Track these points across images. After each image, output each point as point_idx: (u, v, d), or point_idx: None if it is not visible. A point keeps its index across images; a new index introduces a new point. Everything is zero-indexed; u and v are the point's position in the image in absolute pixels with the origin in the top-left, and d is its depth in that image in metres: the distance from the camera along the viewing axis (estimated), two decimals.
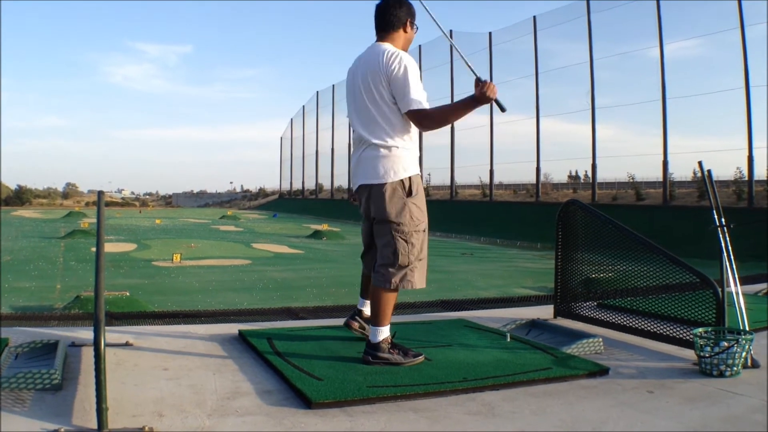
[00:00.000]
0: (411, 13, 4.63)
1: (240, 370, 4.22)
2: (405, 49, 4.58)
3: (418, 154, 4.62)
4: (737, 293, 4.90)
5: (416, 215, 4.41)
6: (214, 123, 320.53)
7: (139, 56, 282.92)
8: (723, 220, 5.09)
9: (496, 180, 39.94)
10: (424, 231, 4.49)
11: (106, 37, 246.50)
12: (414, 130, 4.51)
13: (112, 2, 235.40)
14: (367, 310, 4.90)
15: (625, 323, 5.46)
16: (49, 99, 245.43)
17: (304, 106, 68.87)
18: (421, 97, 4.32)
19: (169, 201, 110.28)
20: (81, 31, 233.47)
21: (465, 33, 40.49)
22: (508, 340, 5.08)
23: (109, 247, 19.07)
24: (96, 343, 3.01)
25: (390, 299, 4.41)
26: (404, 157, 4.42)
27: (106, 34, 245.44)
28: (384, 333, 4.37)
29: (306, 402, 3.53)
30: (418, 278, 4.43)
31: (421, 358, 4.37)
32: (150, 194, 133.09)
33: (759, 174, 24.73)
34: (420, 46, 43.34)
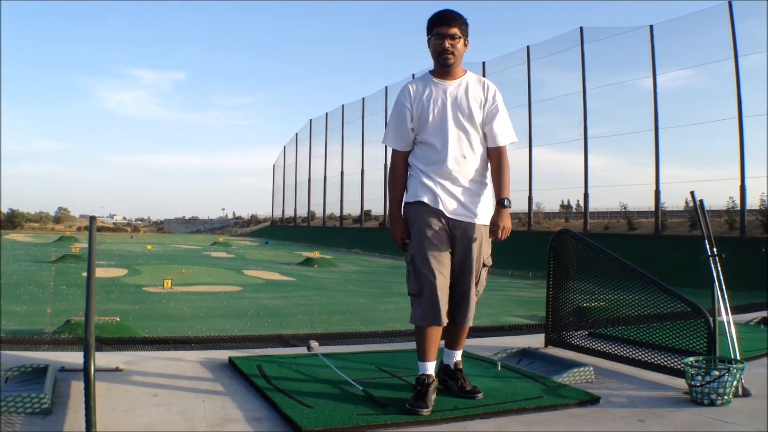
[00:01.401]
0: (428, 28, 4.25)
1: (230, 396, 4.21)
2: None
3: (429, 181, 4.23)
4: (729, 322, 4.90)
5: None
6: (207, 150, 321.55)
7: (133, 82, 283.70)
8: (715, 249, 5.10)
9: None
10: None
11: (101, 63, 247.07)
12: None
13: (106, 28, 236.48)
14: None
15: (616, 352, 5.46)
16: (42, 123, 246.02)
17: (297, 134, 69.11)
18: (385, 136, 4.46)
19: (160, 227, 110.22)
20: (75, 56, 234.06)
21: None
22: (499, 368, 5.07)
23: (100, 272, 19.01)
24: (86, 368, 3.00)
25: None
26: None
27: (101, 59, 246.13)
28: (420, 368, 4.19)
29: (296, 429, 3.52)
30: None
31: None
32: (142, 220, 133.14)
33: (752, 203, 24.86)
34: (413, 75, 43.54)
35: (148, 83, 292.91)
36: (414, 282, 4.12)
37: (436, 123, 4.17)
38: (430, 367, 4.12)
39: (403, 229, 4.22)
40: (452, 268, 4.15)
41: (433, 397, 3.99)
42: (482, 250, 4.22)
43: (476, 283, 4.22)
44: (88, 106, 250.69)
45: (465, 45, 4.21)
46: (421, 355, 4.13)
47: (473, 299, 4.19)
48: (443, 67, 4.21)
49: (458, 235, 4.13)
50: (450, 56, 4.13)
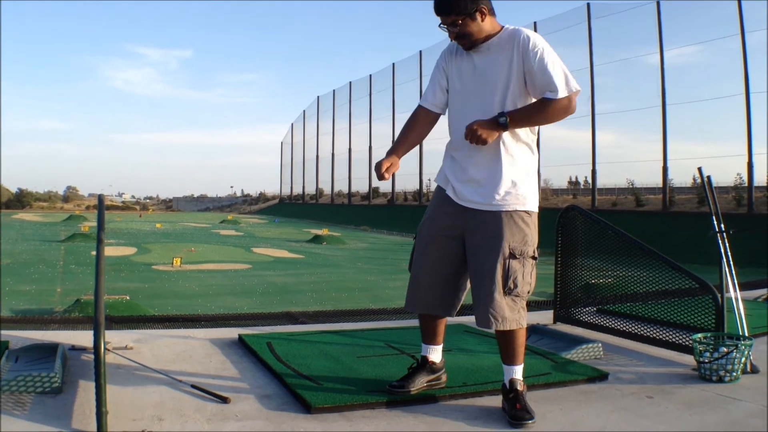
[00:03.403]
0: None
1: (240, 374, 4.23)
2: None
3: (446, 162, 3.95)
4: (736, 299, 4.90)
5: None
6: (214, 127, 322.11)
7: (139, 60, 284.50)
8: (722, 226, 5.08)
9: None
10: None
11: (106, 41, 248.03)
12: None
13: (112, 5, 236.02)
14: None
15: (624, 329, 5.47)
16: (49, 103, 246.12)
17: (304, 111, 68.77)
18: None
19: (169, 205, 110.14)
20: (81, 34, 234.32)
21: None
22: None
23: (109, 251, 19.04)
24: (96, 347, 3.01)
25: None
26: None
27: (107, 38, 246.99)
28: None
29: (306, 407, 3.54)
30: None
31: None
32: (150, 198, 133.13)
33: (759, 180, 24.71)
34: (420, 51, 43.40)
35: (154, 61, 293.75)
36: (410, 262, 4.00)
37: (455, 96, 3.87)
38: (426, 350, 4.01)
39: (384, 163, 3.73)
40: (468, 260, 3.76)
41: (420, 379, 3.89)
42: (506, 241, 3.61)
43: (505, 279, 3.61)
44: (95, 85, 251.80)
45: (481, 16, 3.62)
46: (421, 335, 4.08)
47: (495, 298, 3.60)
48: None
49: (470, 224, 3.72)
50: (463, 41, 3.74)
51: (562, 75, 3.57)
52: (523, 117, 3.61)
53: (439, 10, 3.66)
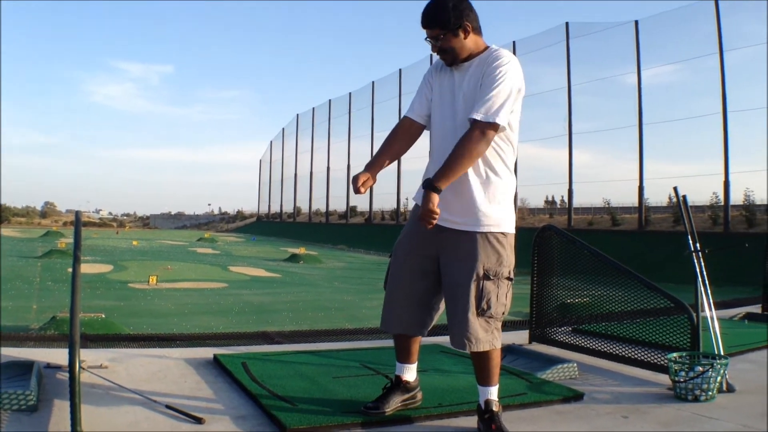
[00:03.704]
0: None
1: (215, 394, 4.20)
2: None
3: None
4: (712, 318, 4.93)
5: None
6: (194, 144, 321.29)
7: (120, 75, 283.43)
8: (698, 245, 5.12)
9: None
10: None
11: (87, 56, 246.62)
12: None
13: (93, 20, 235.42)
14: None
15: (600, 348, 5.49)
16: (29, 116, 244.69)
17: (284, 129, 68.72)
18: None
19: (146, 222, 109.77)
20: (62, 48, 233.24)
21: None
22: None
23: (86, 268, 18.91)
24: (71, 366, 3.00)
25: None
26: None
27: (88, 52, 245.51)
28: None
29: (281, 428, 3.51)
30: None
31: None
32: (128, 215, 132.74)
33: (735, 199, 24.92)
34: (400, 69, 43.55)
35: (135, 76, 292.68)
36: (385, 281, 3.98)
37: (434, 111, 3.85)
38: (400, 368, 4.00)
39: (361, 177, 3.68)
40: (442, 280, 3.74)
41: (394, 399, 3.88)
42: (481, 262, 3.58)
43: (478, 300, 3.58)
44: (75, 100, 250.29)
45: (464, 33, 3.64)
46: (396, 353, 4.05)
47: (469, 319, 3.57)
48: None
49: (444, 243, 3.70)
50: (445, 56, 3.74)
51: (496, 103, 3.49)
52: (446, 171, 3.47)
53: (424, 22, 3.68)
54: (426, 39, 3.73)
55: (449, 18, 3.61)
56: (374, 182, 3.76)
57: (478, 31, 3.71)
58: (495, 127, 3.48)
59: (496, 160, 3.68)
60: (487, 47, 3.74)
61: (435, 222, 3.43)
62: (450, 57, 3.71)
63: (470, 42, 3.68)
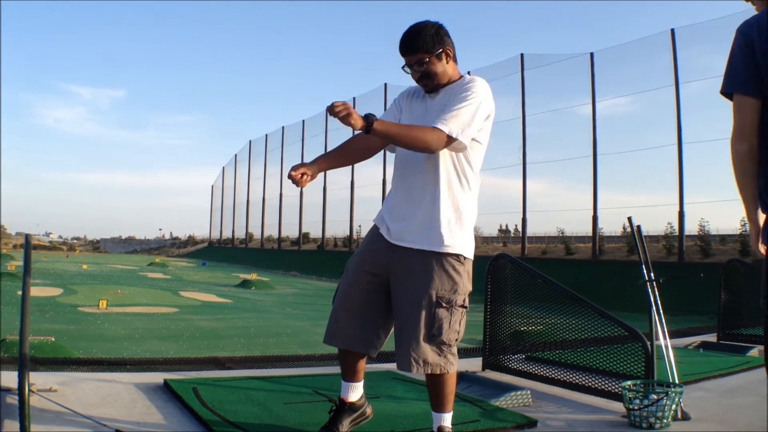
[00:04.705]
0: None
1: (165, 420, 4.10)
2: None
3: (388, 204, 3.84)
4: (666, 346, 4.94)
5: None
6: (145, 168, 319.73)
7: (72, 99, 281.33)
8: (652, 274, 5.14)
9: None
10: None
11: (38, 78, 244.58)
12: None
13: (44, 42, 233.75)
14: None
15: (553, 376, 5.46)
16: None
17: (236, 155, 68.73)
18: None
19: (97, 246, 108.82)
20: (12, 70, 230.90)
21: (399, 86, 40.70)
22: None
23: (35, 291, 18.59)
24: (20, 389, 2.97)
25: None
26: None
27: (39, 74, 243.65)
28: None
29: None
30: None
31: None
32: (78, 239, 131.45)
33: (690, 229, 25.31)
34: (354, 98, 43.67)
35: (86, 100, 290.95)
36: (333, 296, 3.87)
37: None
38: (346, 388, 3.89)
39: (300, 168, 3.53)
40: (393, 300, 3.65)
41: (345, 421, 3.81)
42: (434, 288, 3.51)
43: (429, 325, 3.50)
44: (25, 122, 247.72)
45: (446, 57, 3.65)
46: (341, 372, 3.94)
47: (420, 341, 3.49)
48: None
49: (398, 263, 3.61)
50: (427, 81, 3.68)
51: (460, 119, 3.46)
52: (390, 126, 3.41)
53: (405, 49, 3.63)
54: (403, 67, 3.70)
55: (433, 42, 3.61)
56: (312, 179, 3.64)
57: (455, 58, 3.72)
58: (451, 139, 3.43)
59: (464, 186, 3.66)
60: (461, 76, 3.74)
61: (340, 112, 3.21)
62: (432, 83, 3.67)
63: (450, 68, 3.68)
